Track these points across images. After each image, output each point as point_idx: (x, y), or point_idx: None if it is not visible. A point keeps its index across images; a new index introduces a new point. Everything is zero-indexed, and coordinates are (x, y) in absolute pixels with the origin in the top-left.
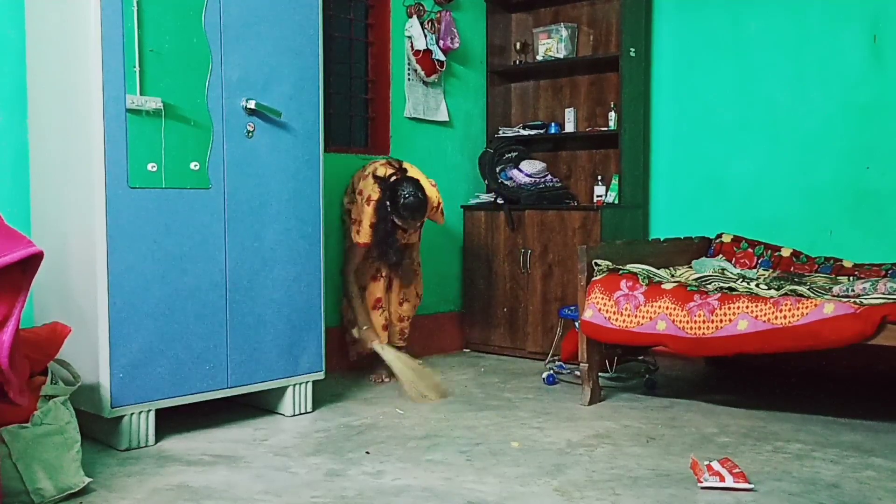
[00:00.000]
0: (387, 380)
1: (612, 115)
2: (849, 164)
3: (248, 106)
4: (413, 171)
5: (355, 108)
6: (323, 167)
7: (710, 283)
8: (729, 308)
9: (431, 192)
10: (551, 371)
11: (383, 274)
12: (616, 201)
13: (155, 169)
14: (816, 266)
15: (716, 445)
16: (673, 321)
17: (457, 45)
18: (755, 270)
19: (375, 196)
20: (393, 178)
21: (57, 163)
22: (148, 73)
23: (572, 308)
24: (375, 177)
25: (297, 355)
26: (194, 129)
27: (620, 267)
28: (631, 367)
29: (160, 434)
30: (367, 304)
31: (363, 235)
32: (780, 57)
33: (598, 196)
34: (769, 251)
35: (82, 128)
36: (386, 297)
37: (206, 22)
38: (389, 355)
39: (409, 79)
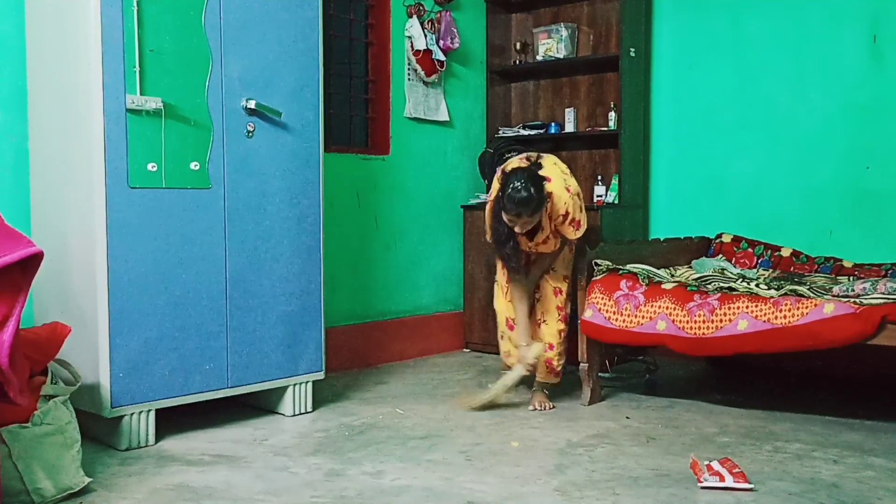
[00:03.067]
0: (550, 407)
1: (612, 115)
2: (849, 164)
3: (248, 106)
4: (549, 169)
5: (355, 108)
6: (323, 167)
7: (710, 283)
8: (729, 308)
9: (559, 194)
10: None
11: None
12: (616, 201)
13: (155, 169)
14: (816, 266)
15: (716, 445)
16: (673, 321)
17: (457, 45)
18: (755, 270)
19: (495, 193)
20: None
21: (57, 163)
22: (148, 73)
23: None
24: (503, 171)
25: (297, 355)
26: (194, 129)
27: (620, 267)
28: (631, 367)
29: (160, 434)
30: (503, 323)
31: (488, 234)
32: (780, 57)
33: (598, 196)
34: (769, 251)
35: (82, 128)
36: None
37: (206, 22)
38: (507, 378)
39: (409, 79)
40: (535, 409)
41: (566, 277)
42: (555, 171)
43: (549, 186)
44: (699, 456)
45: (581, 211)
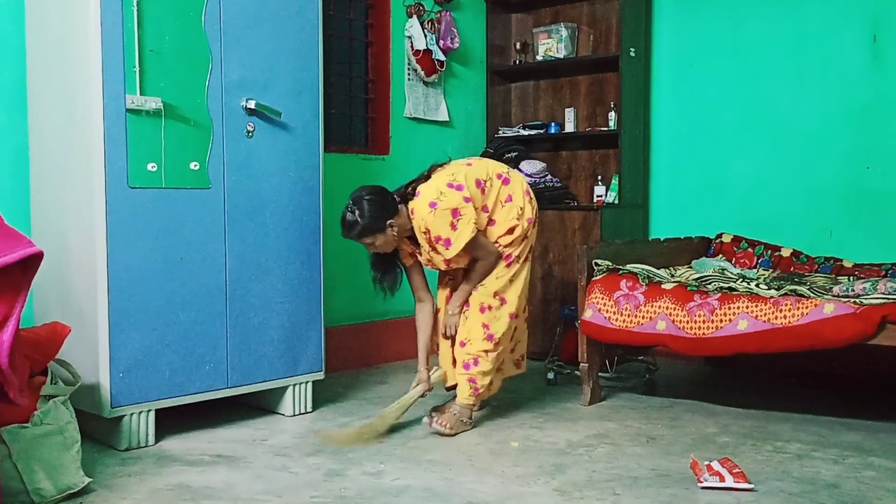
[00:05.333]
0: (447, 427)
1: (612, 115)
2: (849, 164)
3: (248, 106)
4: (433, 181)
5: (355, 108)
6: (323, 167)
7: (710, 283)
8: (729, 308)
9: (419, 210)
10: (552, 370)
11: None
12: (616, 201)
13: (155, 169)
14: (816, 266)
15: (716, 445)
16: (673, 321)
17: (457, 45)
18: (755, 270)
19: None
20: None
21: (57, 163)
22: (148, 73)
23: (572, 308)
24: None
25: (297, 355)
26: (194, 129)
27: (620, 267)
28: (631, 367)
29: (160, 434)
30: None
31: None
32: (780, 57)
33: (598, 196)
34: (769, 251)
35: (82, 128)
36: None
37: (206, 22)
38: (403, 400)
39: (409, 79)
40: (429, 426)
41: (498, 294)
42: (433, 185)
43: (412, 202)
44: (699, 456)
45: (454, 228)
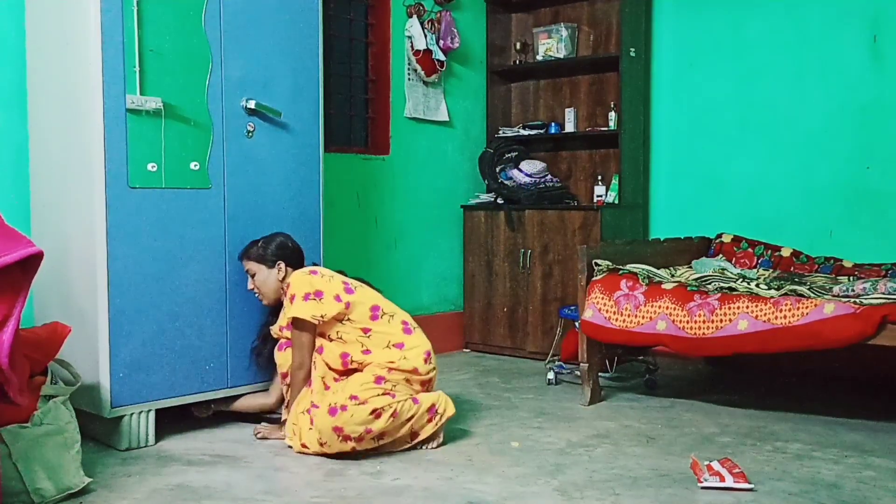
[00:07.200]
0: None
1: (612, 115)
2: (849, 164)
3: (248, 106)
4: (299, 276)
5: (355, 108)
6: (323, 167)
7: (710, 283)
8: (729, 308)
9: (296, 282)
10: (552, 370)
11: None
12: (616, 201)
13: (155, 169)
14: (816, 266)
15: (716, 445)
16: (673, 321)
17: (457, 45)
18: (755, 270)
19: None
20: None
21: (57, 163)
22: (148, 73)
23: (572, 308)
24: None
25: None
26: (194, 129)
27: (620, 267)
28: (631, 367)
29: (160, 434)
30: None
31: None
32: (780, 57)
33: (598, 196)
34: (769, 251)
35: (82, 128)
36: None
37: (206, 22)
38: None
39: (409, 79)
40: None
41: (356, 397)
42: (302, 279)
43: (292, 279)
44: (699, 456)
45: (316, 296)
